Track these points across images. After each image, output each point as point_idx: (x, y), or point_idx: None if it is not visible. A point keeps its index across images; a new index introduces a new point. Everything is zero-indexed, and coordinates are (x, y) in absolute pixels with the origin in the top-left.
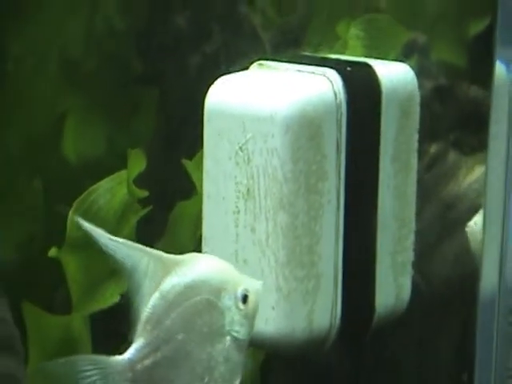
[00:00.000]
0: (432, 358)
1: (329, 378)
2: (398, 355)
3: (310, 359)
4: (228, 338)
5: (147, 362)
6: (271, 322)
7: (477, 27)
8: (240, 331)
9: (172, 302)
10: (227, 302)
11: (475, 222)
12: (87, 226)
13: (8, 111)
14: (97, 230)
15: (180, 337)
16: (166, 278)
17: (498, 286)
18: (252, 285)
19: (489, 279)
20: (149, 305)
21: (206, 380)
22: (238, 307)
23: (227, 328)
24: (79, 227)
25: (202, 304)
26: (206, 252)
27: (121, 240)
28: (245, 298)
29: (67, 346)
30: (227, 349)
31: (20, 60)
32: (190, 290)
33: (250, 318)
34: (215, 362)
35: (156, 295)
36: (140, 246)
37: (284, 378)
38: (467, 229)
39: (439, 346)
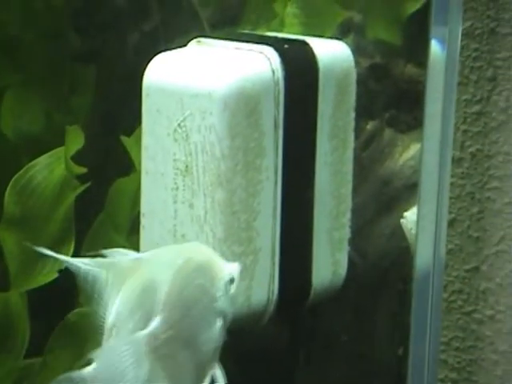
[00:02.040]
0: (368, 332)
1: (266, 352)
2: (335, 330)
3: (248, 334)
4: (219, 319)
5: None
6: None
7: (412, 7)
8: (228, 313)
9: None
10: (218, 286)
11: (407, 219)
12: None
13: None
14: (60, 256)
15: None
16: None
17: (432, 263)
18: (234, 268)
19: (423, 256)
20: (112, 311)
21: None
22: (227, 291)
23: (219, 310)
24: (16, 203)
25: (197, 290)
26: (144, 227)
27: (82, 260)
28: (232, 282)
29: (5, 323)
30: (219, 330)
31: None
32: (185, 279)
33: (234, 299)
34: (210, 345)
35: (119, 300)
36: (99, 260)
37: (221, 352)
38: (402, 220)
39: (375, 321)
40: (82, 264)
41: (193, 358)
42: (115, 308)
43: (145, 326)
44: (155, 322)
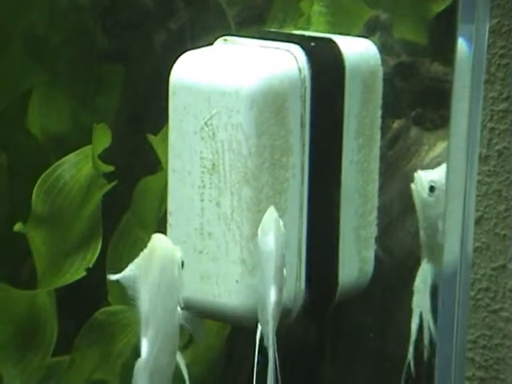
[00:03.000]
0: (395, 330)
1: (292, 350)
2: (362, 328)
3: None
4: (179, 306)
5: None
6: (235, 296)
7: (439, 6)
8: (181, 299)
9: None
10: (178, 271)
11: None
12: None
13: None
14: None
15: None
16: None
17: (459, 261)
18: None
19: (450, 253)
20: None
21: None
22: (180, 275)
23: (180, 297)
24: (44, 202)
25: (166, 279)
26: (171, 225)
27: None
28: (183, 265)
29: (32, 321)
30: (180, 317)
31: None
32: (152, 269)
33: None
34: (176, 331)
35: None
36: None
37: (249, 352)
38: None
39: (402, 319)
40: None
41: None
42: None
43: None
44: (144, 346)
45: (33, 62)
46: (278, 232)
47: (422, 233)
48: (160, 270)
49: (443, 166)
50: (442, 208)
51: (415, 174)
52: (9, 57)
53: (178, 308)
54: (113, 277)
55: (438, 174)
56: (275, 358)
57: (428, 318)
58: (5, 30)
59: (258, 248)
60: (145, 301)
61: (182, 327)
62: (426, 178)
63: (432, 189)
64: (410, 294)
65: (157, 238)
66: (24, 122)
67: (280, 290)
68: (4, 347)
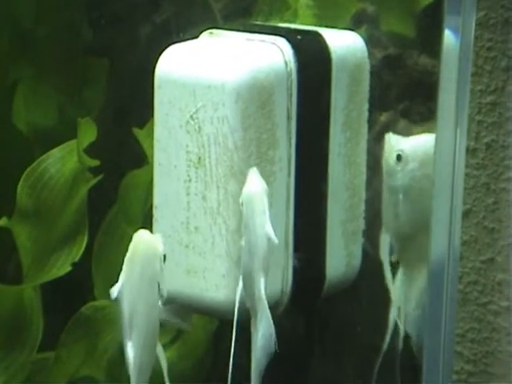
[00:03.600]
0: (382, 324)
1: (280, 344)
2: (349, 322)
3: None
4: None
5: None
6: (222, 290)
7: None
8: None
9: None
10: (160, 265)
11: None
12: None
13: None
14: None
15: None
16: None
17: (447, 254)
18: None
19: (438, 247)
20: None
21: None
22: (162, 268)
23: (163, 291)
24: (29, 196)
25: (148, 273)
26: (156, 220)
27: None
28: (165, 258)
29: (18, 317)
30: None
31: None
32: (134, 264)
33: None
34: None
35: None
36: None
37: (237, 345)
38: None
39: (389, 313)
40: None
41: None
42: None
43: None
44: (130, 350)
45: (18, 55)
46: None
47: (383, 201)
48: (142, 264)
49: (418, 137)
50: (406, 181)
51: (386, 136)
52: None
53: (160, 302)
54: (113, 294)
55: (408, 144)
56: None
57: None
58: None
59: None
60: (128, 299)
61: (164, 322)
62: (395, 145)
63: (399, 157)
64: None
65: (139, 233)
66: (9, 115)
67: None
68: None
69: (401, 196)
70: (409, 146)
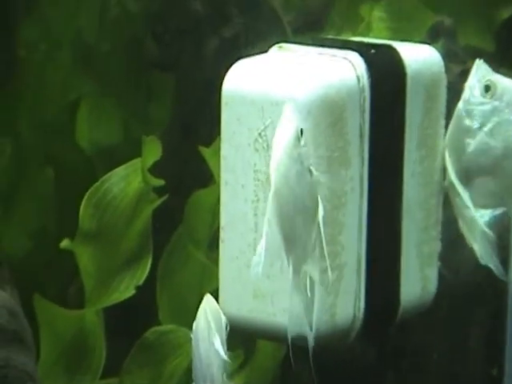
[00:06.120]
0: (460, 351)
1: (352, 372)
2: (425, 349)
3: (333, 353)
4: None
5: None
6: None
7: (507, 11)
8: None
9: None
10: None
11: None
12: None
13: (21, 98)
14: None
15: None
16: None
17: None
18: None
19: None
20: None
21: None
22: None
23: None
24: (91, 217)
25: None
26: (223, 241)
27: None
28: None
29: (80, 342)
30: None
31: (33, 46)
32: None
33: None
34: None
35: None
36: None
37: (306, 372)
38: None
39: (467, 339)
40: None
41: None
42: None
43: None
44: None
45: (82, 71)
46: None
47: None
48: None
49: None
50: (487, 114)
51: (476, 61)
52: (57, 66)
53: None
54: None
55: (501, 79)
56: None
57: None
58: (54, 39)
59: None
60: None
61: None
62: (486, 75)
63: (487, 88)
64: (475, 313)
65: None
66: (72, 133)
67: None
68: (52, 368)
69: (468, 145)
70: (501, 81)
